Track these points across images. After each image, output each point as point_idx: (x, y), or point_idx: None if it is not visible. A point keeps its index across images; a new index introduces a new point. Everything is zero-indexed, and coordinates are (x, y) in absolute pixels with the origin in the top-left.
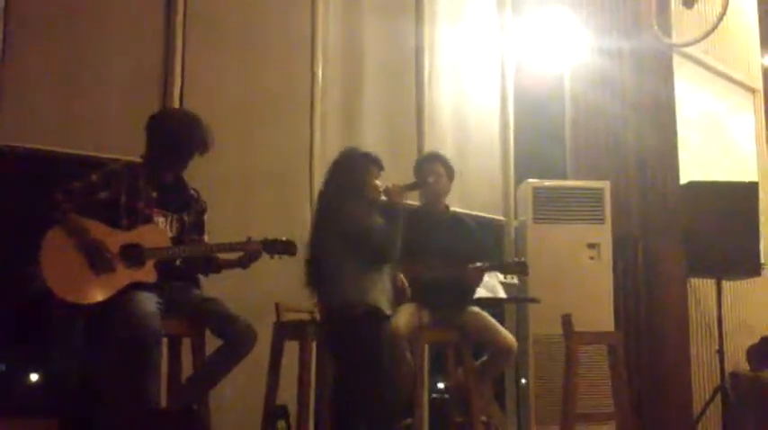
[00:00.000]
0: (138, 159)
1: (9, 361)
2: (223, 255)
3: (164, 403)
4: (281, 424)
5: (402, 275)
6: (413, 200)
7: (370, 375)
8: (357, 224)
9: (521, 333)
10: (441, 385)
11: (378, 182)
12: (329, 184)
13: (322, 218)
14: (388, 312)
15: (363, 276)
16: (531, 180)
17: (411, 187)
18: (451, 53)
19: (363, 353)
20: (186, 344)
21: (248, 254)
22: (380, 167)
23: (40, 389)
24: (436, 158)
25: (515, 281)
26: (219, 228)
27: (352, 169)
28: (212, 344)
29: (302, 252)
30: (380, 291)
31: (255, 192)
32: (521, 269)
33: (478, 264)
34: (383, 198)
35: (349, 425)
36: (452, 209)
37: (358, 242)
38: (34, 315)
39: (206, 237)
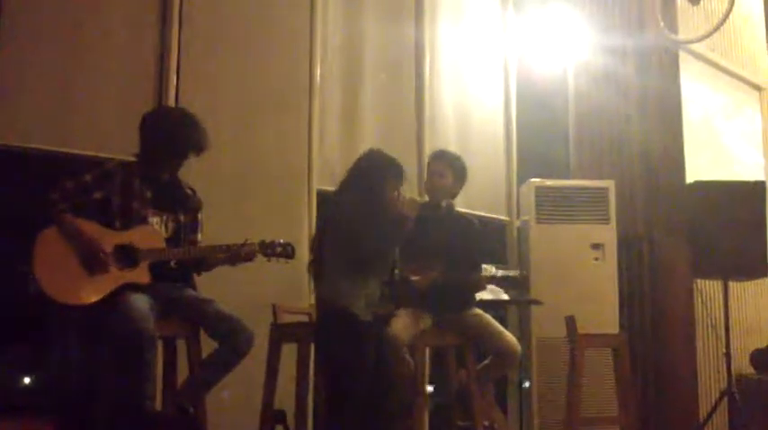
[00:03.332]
0: (132, 158)
1: (3, 362)
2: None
3: (159, 406)
4: (278, 427)
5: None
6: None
7: (346, 377)
8: (359, 233)
9: (523, 335)
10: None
11: (396, 194)
12: (344, 187)
13: (330, 218)
14: (365, 318)
15: (345, 278)
16: (534, 179)
17: (425, 205)
18: (453, 51)
19: (335, 354)
20: (182, 345)
21: (239, 255)
22: (399, 179)
23: (35, 390)
24: (442, 157)
25: (516, 275)
26: (217, 228)
27: (370, 179)
28: (208, 345)
29: (301, 253)
30: (359, 295)
31: (253, 192)
32: (520, 283)
33: (484, 266)
34: (396, 211)
35: (337, 424)
36: (458, 209)
37: (346, 246)
38: (29, 315)
39: (199, 236)
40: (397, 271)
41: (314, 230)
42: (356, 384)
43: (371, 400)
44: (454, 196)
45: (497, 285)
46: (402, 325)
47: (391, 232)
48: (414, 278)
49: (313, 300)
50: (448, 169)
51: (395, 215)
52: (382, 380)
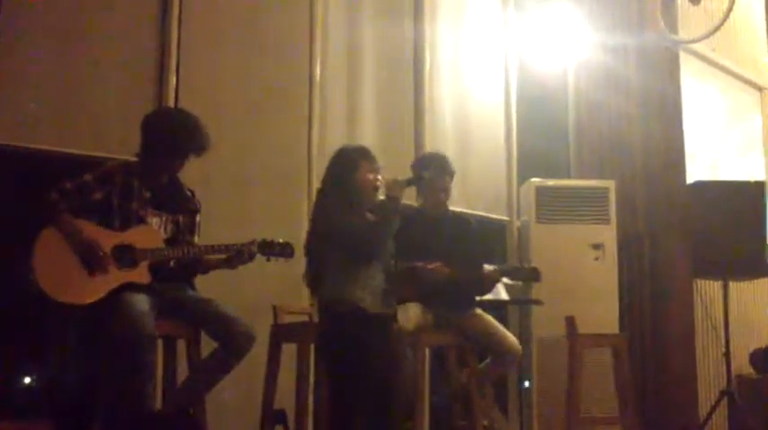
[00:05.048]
0: (133, 158)
1: (2, 362)
2: (212, 256)
3: (159, 406)
4: (278, 427)
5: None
6: (410, 200)
7: (354, 376)
8: (335, 222)
9: (524, 335)
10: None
11: (372, 176)
12: (322, 184)
13: (312, 218)
14: (374, 310)
15: (346, 275)
16: (534, 179)
17: (409, 182)
18: (453, 50)
19: (344, 353)
20: (182, 346)
21: (240, 256)
22: (371, 161)
23: (34, 392)
24: (448, 169)
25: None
26: (217, 228)
27: (340, 167)
28: (209, 345)
29: (301, 252)
30: (364, 289)
31: (253, 192)
32: (533, 276)
33: (493, 267)
34: (380, 192)
35: (342, 426)
36: (453, 209)
37: (336, 240)
38: (28, 316)
39: (195, 238)
40: (394, 262)
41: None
42: (365, 381)
43: (379, 398)
44: None
45: (511, 278)
46: (405, 316)
47: (380, 216)
48: (430, 266)
49: (314, 303)
50: (451, 180)
51: (374, 197)
52: (390, 377)
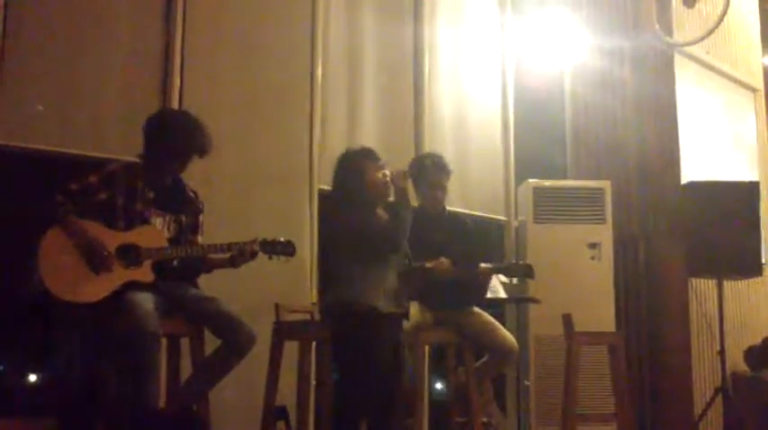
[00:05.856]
0: (136, 159)
1: (8, 361)
2: (215, 255)
3: (163, 403)
4: (280, 424)
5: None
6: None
7: (364, 374)
8: (354, 225)
9: (521, 333)
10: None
11: (380, 174)
12: (332, 189)
13: (325, 221)
14: (388, 310)
15: (361, 275)
16: (531, 180)
17: (411, 173)
18: (452, 53)
19: (357, 352)
20: (185, 344)
21: (243, 254)
22: (375, 160)
23: (39, 390)
24: (446, 168)
25: (515, 280)
26: (218, 228)
27: (347, 172)
28: (212, 343)
29: (302, 252)
30: (378, 289)
31: (255, 192)
32: (527, 272)
33: (487, 265)
34: (390, 188)
35: (347, 424)
36: (450, 208)
37: (358, 242)
38: (33, 315)
39: (199, 238)
40: (408, 261)
41: (316, 230)
42: (374, 381)
43: (385, 397)
44: None
45: (505, 275)
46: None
47: (395, 211)
48: (428, 265)
49: (317, 301)
50: (447, 179)
51: (387, 195)
52: (395, 375)
